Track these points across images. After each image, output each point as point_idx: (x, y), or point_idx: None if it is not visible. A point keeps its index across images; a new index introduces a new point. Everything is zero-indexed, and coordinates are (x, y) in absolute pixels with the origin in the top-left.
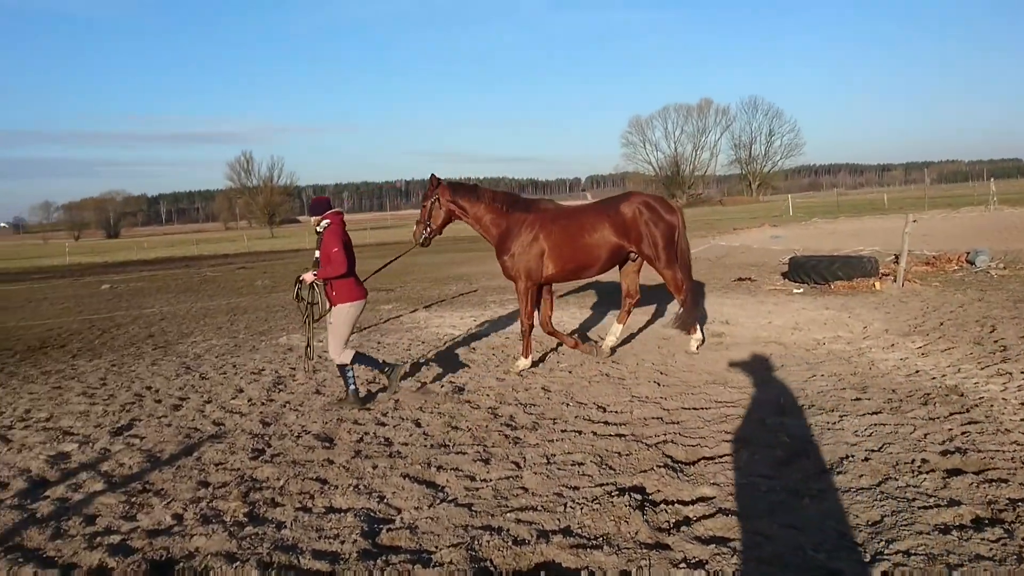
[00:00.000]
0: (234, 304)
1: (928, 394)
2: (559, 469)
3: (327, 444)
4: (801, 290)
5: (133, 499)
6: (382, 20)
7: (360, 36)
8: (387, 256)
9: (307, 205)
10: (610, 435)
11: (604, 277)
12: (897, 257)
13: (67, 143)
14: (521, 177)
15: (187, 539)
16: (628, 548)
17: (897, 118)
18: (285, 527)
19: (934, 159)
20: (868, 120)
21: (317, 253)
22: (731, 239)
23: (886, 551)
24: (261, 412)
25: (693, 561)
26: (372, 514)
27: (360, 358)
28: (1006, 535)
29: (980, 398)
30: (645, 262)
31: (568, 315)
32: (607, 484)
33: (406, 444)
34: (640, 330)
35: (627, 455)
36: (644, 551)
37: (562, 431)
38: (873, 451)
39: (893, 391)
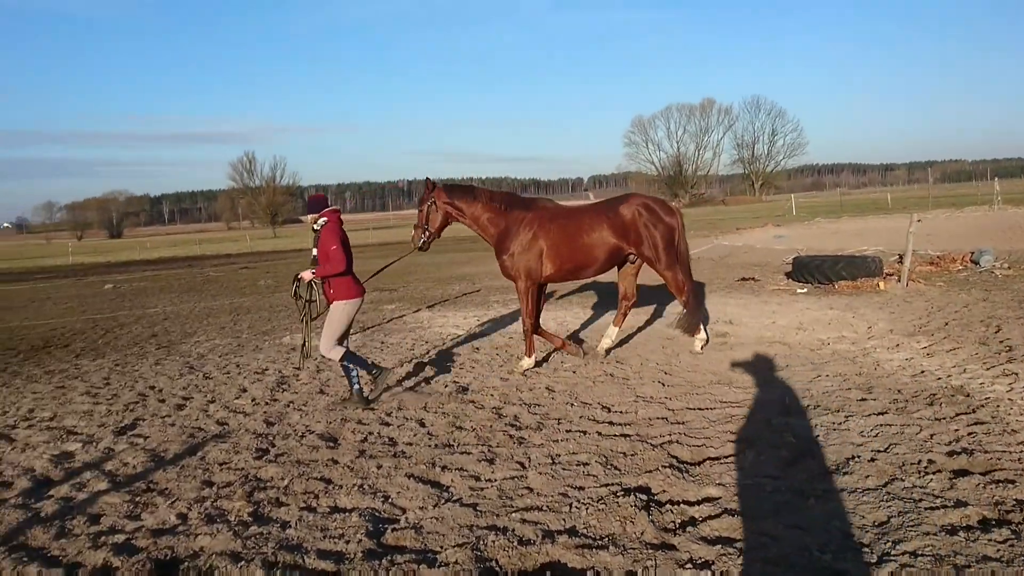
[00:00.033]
0: (237, 304)
1: (934, 394)
2: (564, 469)
3: (331, 444)
4: (805, 290)
5: (137, 498)
6: (383, 20)
7: (361, 36)
8: (389, 256)
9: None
10: (615, 435)
11: (604, 277)
12: (901, 257)
13: (69, 143)
14: (523, 177)
15: (192, 538)
16: (634, 548)
17: (900, 118)
18: (290, 527)
19: (937, 158)
20: (871, 120)
21: (314, 251)
22: (734, 239)
23: (893, 552)
24: (265, 412)
25: (699, 562)
26: (377, 514)
27: (350, 357)
28: (1013, 536)
29: (986, 398)
30: (644, 265)
31: (572, 315)
32: (612, 484)
33: (410, 444)
34: (642, 330)
35: (632, 455)
36: (650, 551)
37: (567, 431)
38: (879, 452)
39: (899, 391)
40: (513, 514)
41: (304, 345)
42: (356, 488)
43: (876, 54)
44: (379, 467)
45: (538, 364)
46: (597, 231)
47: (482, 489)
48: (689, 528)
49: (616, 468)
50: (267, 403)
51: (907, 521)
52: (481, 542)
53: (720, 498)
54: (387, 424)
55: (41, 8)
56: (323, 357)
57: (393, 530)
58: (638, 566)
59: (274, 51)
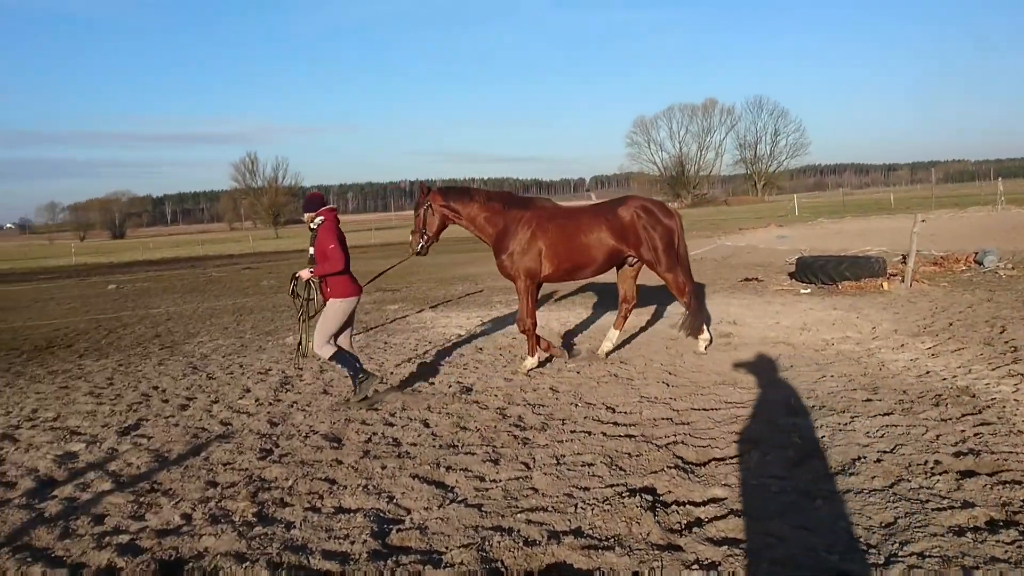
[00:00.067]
0: (240, 304)
1: (940, 395)
2: (569, 470)
3: (335, 444)
4: (808, 290)
5: (141, 499)
6: (384, 20)
7: (362, 36)
8: (391, 256)
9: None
10: (620, 436)
11: (605, 278)
12: (905, 257)
13: (72, 144)
14: (525, 177)
15: (196, 539)
16: (640, 549)
17: (903, 118)
18: (294, 527)
19: (940, 159)
20: (874, 120)
21: (311, 250)
22: (737, 239)
23: (900, 553)
24: (268, 412)
25: (705, 562)
26: (382, 514)
27: (339, 357)
28: (1021, 537)
29: (992, 399)
30: (644, 267)
31: (575, 315)
32: (618, 485)
33: (415, 444)
34: (645, 330)
35: (637, 456)
36: (656, 552)
37: (571, 432)
38: (885, 452)
39: (904, 392)
40: (518, 515)
41: (300, 344)
42: (360, 489)
43: (879, 54)
44: (383, 467)
45: (541, 364)
46: (595, 232)
47: (487, 490)
48: (695, 529)
49: (621, 469)
50: (271, 403)
51: (914, 522)
52: (486, 543)
53: (726, 499)
54: (391, 424)
55: (44, 9)
56: (318, 356)
57: (398, 531)
58: (644, 567)
59: (276, 51)
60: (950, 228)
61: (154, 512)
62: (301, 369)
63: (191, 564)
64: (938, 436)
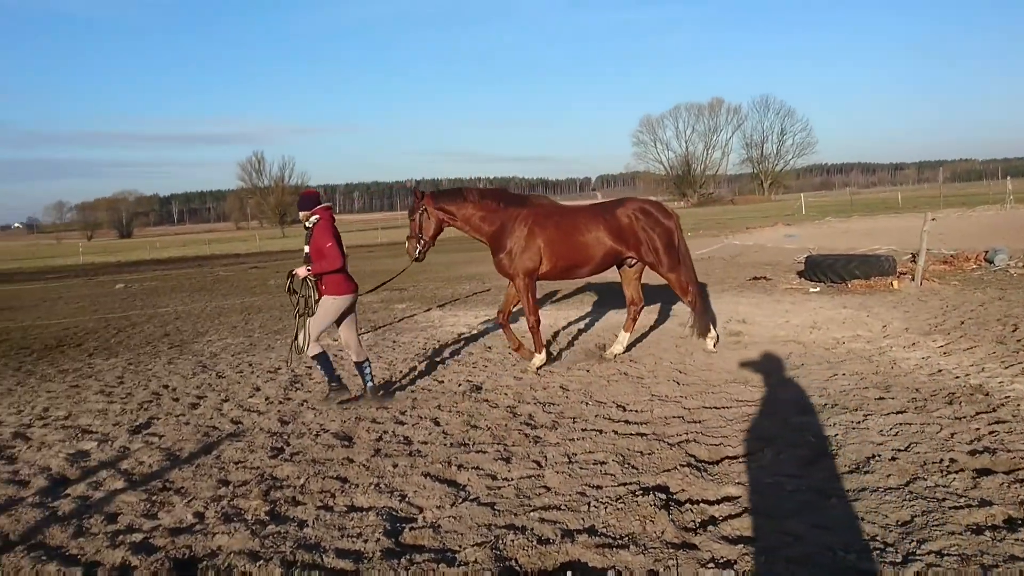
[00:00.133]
0: (248, 303)
1: (953, 393)
2: (581, 468)
3: (346, 443)
4: (818, 289)
5: (154, 497)
6: (388, 20)
7: (367, 36)
8: (398, 255)
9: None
10: (631, 434)
11: (605, 277)
12: (914, 256)
13: (79, 144)
14: (531, 177)
15: (209, 537)
16: (655, 548)
17: (910, 117)
18: (307, 526)
19: (947, 158)
20: (880, 119)
21: (306, 248)
22: (744, 238)
23: (918, 551)
24: (279, 411)
25: (721, 561)
26: (394, 513)
27: (322, 359)
28: None
29: (1006, 397)
30: (647, 268)
31: (579, 315)
32: (630, 483)
33: (426, 443)
34: (655, 329)
35: (649, 454)
36: (671, 551)
37: (582, 430)
38: (900, 451)
39: (917, 390)
40: (531, 513)
41: (295, 341)
42: (372, 487)
43: (886, 53)
44: (395, 466)
45: (550, 358)
46: (594, 231)
47: (499, 488)
48: (710, 527)
49: (634, 467)
50: (281, 402)
51: (931, 520)
52: (500, 541)
53: (740, 497)
54: (402, 423)
55: (51, 9)
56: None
57: (411, 529)
58: (659, 565)
59: (282, 51)
60: (959, 227)
61: (167, 511)
62: (311, 368)
63: (205, 562)
64: (953, 434)
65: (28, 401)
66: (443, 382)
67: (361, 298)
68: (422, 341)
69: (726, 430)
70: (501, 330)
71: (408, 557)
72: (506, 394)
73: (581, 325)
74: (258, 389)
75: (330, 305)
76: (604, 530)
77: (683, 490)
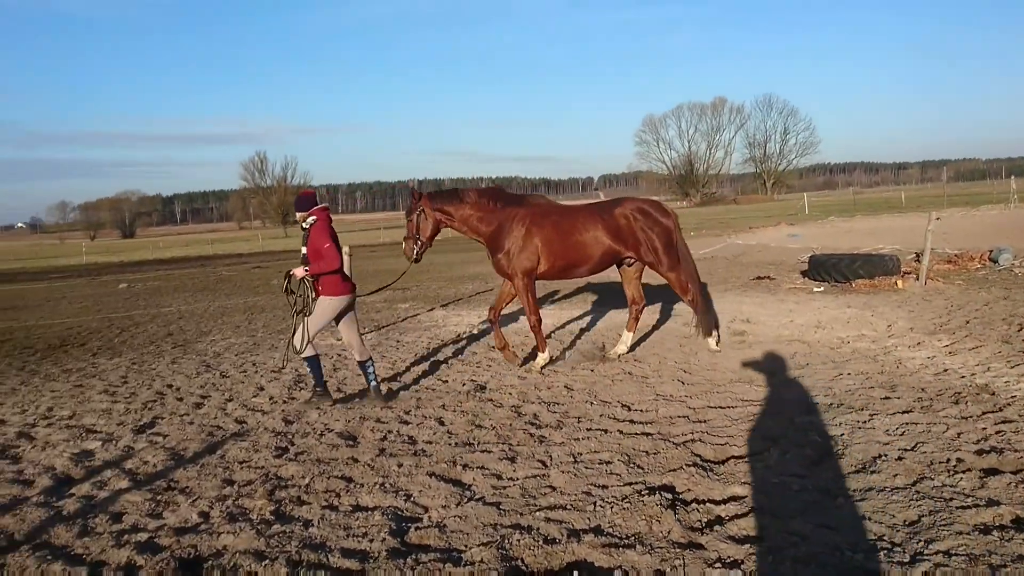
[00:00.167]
0: (251, 303)
1: (959, 393)
2: (587, 468)
3: (351, 442)
4: (822, 288)
5: (159, 497)
6: (389, 20)
7: (368, 36)
8: (401, 254)
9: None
10: (636, 434)
11: (604, 278)
12: (919, 255)
13: (82, 144)
14: (534, 176)
15: (215, 537)
16: (661, 547)
17: (913, 116)
18: (312, 525)
19: (951, 157)
20: (883, 118)
21: (304, 249)
22: (748, 238)
23: (926, 551)
24: (283, 410)
25: (728, 561)
26: (399, 512)
27: (313, 363)
28: None
29: (1012, 397)
30: (647, 268)
31: (583, 315)
32: (636, 483)
33: (430, 442)
34: (658, 328)
35: (655, 454)
36: (677, 550)
37: (587, 429)
38: (906, 450)
39: (923, 390)
40: (537, 513)
41: (291, 340)
42: (377, 486)
43: (889, 52)
44: (400, 465)
45: (552, 362)
46: (591, 231)
47: (504, 488)
48: (716, 527)
49: (639, 467)
50: (285, 401)
51: (939, 520)
52: (506, 541)
53: (746, 497)
54: (406, 423)
55: (53, 10)
56: (302, 356)
57: (416, 529)
58: (666, 565)
59: (283, 51)
60: (963, 226)
61: (172, 510)
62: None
63: (210, 562)
64: (959, 434)
65: (32, 401)
66: (447, 382)
67: (364, 298)
68: (426, 341)
69: (731, 430)
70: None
71: (414, 557)
72: (510, 394)
73: (583, 324)
74: (262, 389)
75: (327, 306)
76: (610, 530)
77: (689, 490)
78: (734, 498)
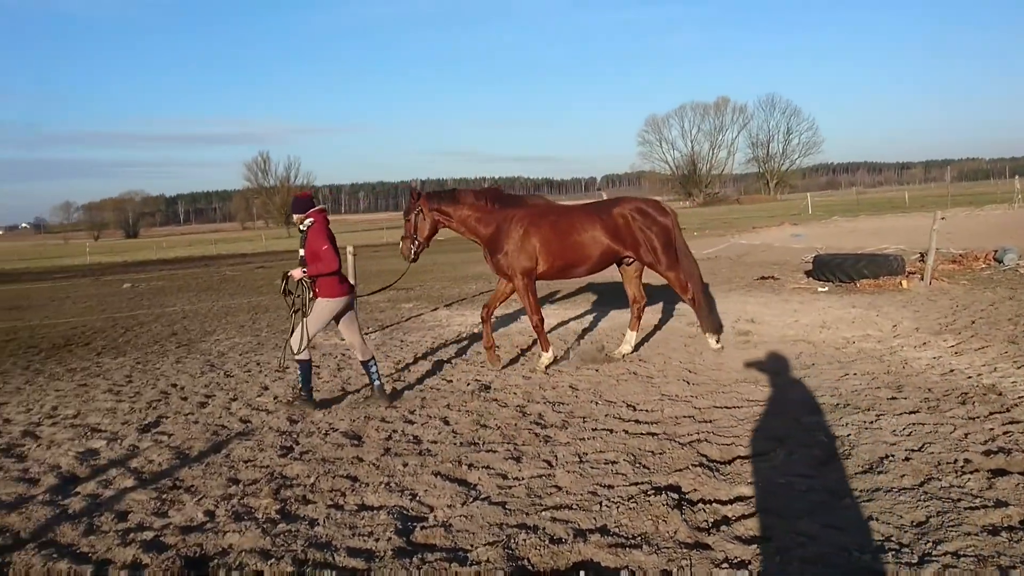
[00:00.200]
0: (255, 303)
1: (965, 393)
2: (592, 468)
3: (356, 442)
4: (826, 288)
5: (164, 496)
6: (389, 20)
7: (368, 36)
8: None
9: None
10: (642, 434)
11: (603, 278)
12: (923, 255)
13: (85, 144)
14: (536, 177)
15: (220, 536)
16: (668, 547)
17: (916, 116)
18: (318, 524)
19: (954, 157)
20: (887, 118)
21: (301, 251)
22: (751, 238)
23: (934, 552)
24: (288, 409)
25: (735, 561)
26: (405, 512)
27: (305, 367)
28: None
29: (1020, 397)
30: (646, 267)
31: (585, 314)
32: (642, 483)
33: (435, 442)
34: (662, 328)
35: (660, 454)
36: (684, 551)
37: (593, 429)
38: (913, 451)
39: (929, 390)
40: (543, 512)
41: (289, 340)
42: (383, 486)
43: (892, 52)
44: (405, 465)
45: (557, 360)
46: (590, 230)
47: (510, 487)
48: (723, 527)
49: (645, 467)
50: (289, 401)
51: (947, 521)
52: (512, 540)
53: (753, 497)
54: (411, 422)
55: (56, 10)
56: (295, 355)
57: (422, 528)
58: (673, 565)
59: (285, 52)
60: (967, 226)
61: (177, 509)
62: (319, 367)
63: (216, 561)
64: (967, 434)
65: (37, 400)
66: (452, 381)
67: (367, 298)
68: (430, 340)
69: (737, 430)
70: (482, 325)
71: (420, 556)
72: (515, 393)
73: (586, 324)
74: (266, 388)
75: (324, 307)
76: (616, 530)
77: (695, 490)
78: (740, 498)
